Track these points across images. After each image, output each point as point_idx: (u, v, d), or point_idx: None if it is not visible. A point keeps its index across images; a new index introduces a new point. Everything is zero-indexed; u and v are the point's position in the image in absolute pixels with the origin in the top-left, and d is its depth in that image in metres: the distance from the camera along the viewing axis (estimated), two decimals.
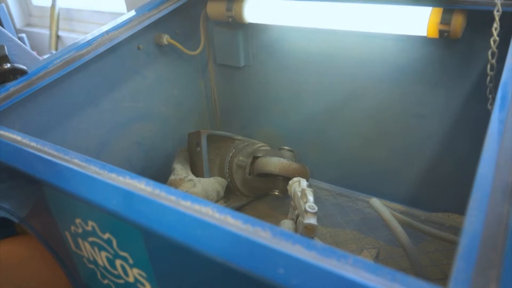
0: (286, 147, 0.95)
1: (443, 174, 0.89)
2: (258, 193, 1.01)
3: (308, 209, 0.66)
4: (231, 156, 0.98)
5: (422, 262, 0.81)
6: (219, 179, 0.92)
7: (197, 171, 0.93)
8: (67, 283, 0.68)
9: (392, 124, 0.91)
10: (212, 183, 0.89)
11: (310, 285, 0.33)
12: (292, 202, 0.79)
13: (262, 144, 1.01)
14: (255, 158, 0.94)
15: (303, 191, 0.73)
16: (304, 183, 0.80)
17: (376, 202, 0.79)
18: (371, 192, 1.00)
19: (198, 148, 0.93)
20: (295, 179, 0.82)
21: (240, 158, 0.96)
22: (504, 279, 0.31)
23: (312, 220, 0.65)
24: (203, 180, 0.88)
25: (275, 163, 0.88)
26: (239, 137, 1.04)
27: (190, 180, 0.86)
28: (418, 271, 0.68)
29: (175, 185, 0.87)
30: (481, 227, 0.35)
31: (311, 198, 0.70)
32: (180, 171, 0.89)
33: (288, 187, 0.82)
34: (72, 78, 0.79)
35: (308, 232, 0.65)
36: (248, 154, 0.96)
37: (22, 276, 0.71)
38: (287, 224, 0.73)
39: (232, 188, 0.98)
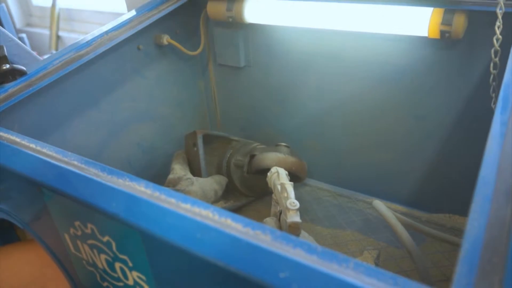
0: (283, 143, 0.94)
1: (444, 175, 0.89)
2: (257, 192, 1.01)
3: (289, 206, 0.65)
4: (229, 156, 0.98)
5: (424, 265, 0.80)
6: (218, 178, 0.92)
7: (195, 171, 0.93)
8: (67, 286, 0.68)
9: (392, 124, 0.90)
10: (210, 183, 0.88)
11: None
12: (273, 196, 0.76)
13: (259, 143, 1.01)
14: (253, 156, 0.93)
15: (282, 185, 0.71)
16: (283, 173, 0.77)
17: (379, 204, 0.77)
18: (372, 193, 0.99)
19: (195, 148, 0.93)
20: (273, 169, 0.79)
21: (238, 157, 0.96)
22: (507, 283, 0.31)
23: (295, 218, 0.63)
24: (201, 179, 0.88)
25: (271, 157, 0.87)
26: (236, 138, 1.04)
27: (188, 178, 0.86)
28: (425, 278, 0.67)
29: (173, 183, 0.87)
30: (483, 230, 0.35)
31: (291, 192, 0.68)
32: (179, 170, 0.89)
33: (267, 179, 0.80)
34: (71, 79, 0.79)
35: (293, 230, 0.64)
36: (246, 153, 0.96)
37: (22, 281, 0.70)
38: (269, 223, 0.70)
39: (231, 188, 0.98)
